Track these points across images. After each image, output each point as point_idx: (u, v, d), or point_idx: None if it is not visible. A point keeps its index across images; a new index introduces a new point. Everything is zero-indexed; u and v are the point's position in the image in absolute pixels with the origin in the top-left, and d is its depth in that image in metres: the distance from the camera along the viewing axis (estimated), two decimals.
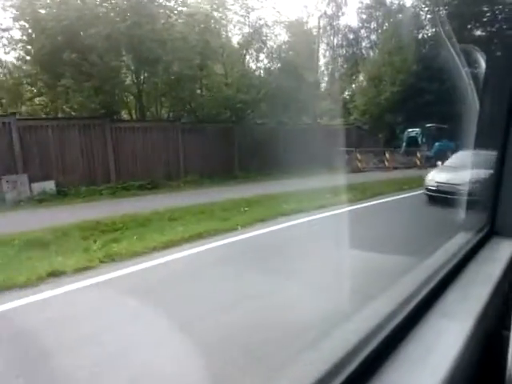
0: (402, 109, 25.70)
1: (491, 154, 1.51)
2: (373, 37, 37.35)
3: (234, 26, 16.37)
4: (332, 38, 43.25)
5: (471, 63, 1.96)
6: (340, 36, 42.44)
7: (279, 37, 16.41)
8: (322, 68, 42.49)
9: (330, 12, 41.76)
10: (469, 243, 1.32)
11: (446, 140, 21.36)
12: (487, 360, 0.99)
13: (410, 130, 22.64)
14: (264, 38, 15.85)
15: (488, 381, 0.99)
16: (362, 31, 39.66)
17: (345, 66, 39.10)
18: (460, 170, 7.62)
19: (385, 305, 0.88)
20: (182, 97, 14.10)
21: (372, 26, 37.33)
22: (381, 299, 0.96)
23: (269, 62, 15.71)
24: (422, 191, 9.75)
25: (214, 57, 14.50)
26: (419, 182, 10.43)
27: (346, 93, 34.75)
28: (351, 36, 41.34)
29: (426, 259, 1.16)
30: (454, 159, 10.26)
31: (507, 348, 0.99)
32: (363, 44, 39.32)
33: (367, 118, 27.60)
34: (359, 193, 10.54)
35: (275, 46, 16.44)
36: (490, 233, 1.46)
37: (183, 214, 8.12)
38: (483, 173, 1.70)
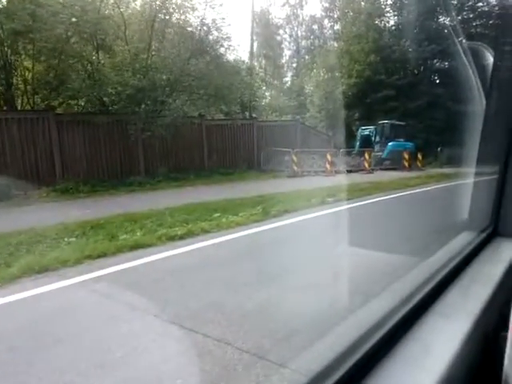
0: (358, 104, 23.05)
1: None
2: (336, 27, 34.67)
3: None
4: (296, 29, 40.76)
5: (479, 61, 1.82)
6: (304, 27, 39.93)
7: (194, 10, 13.12)
8: (284, 61, 40.03)
9: (292, 1, 39.31)
10: (471, 243, 1.34)
11: (403, 139, 18.62)
12: (484, 361, 0.99)
13: (363, 127, 19.79)
14: (171, 10, 12.64)
15: (485, 382, 0.98)
16: (326, 21, 37.09)
17: (306, 57, 36.48)
18: None
19: (384, 303, 0.96)
20: (48, 80, 10.80)
21: (335, 16, 34.59)
22: (380, 298, 1.11)
23: (179, 41, 12.43)
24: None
25: (100, 31, 11.22)
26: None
27: (307, 87, 31.98)
28: (315, 26, 38.84)
29: (427, 259, 1.22)
30: None
31: (505, 349, 0.95)
32: (327, 34, 36.75)
33: (323, 114, 25.00)
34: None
35: (189, 21, 13.24)
36: (492, 233, 1.47)
37: None
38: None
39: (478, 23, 21.06)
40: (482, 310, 0.93)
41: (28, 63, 11.69)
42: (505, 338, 0.99)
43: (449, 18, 19.21)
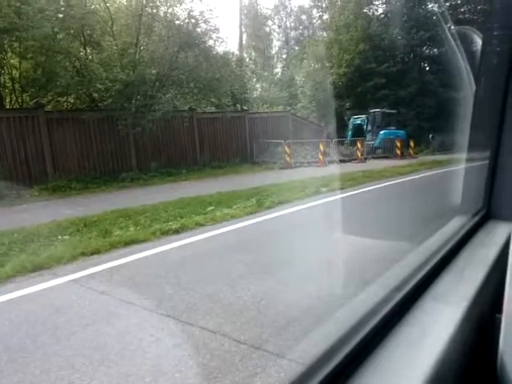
0: (349, 93, 23.05)
1: None
2: (325, 16, 34.48)
3: None
4: (285, 19, 40.50)
5: (468, 45, 1.85)
6: (292, 17, 39.68)
7: (181, 3, 12.96)
8: (273, 52, 39.80)
9: None
10: (464, 227, 1.34)
11: (395, 127, 18.65)
12: (480, 342, 1.00)
13: (355, 117, 19.77)
14: (158, 3, 12.48)
15: (480, 363, 1.00)
16: (314, 11, 36.85)
17: (296, 48, 36.28)
18: None
19: (380, 289, 0.94)
20: (36, 78, 10.66)
21: (324, 5, 34.37)
22: (377, 283, 1.12)
23: (167, 35, 12.26)
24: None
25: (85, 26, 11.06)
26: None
27: (297, 78, 31.83)
28: (304, 17, 38.61)
29: (421, 243, 1.21)
30: None
31: (499, 331, 0.98)
32: (315, 25, 36.58)
33: (315, 104, 24.94)
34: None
35: (177, 14, 13.08)
36: (485, 216, 1.48)
37: None
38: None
39: (465, 9, 21.06)
40: (477, 293, 0.94)
41: (15, 61, 11.50)
42: (499, 320, 1.00)
43: (437, 5, 19.22)
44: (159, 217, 6.60)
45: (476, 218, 1.43)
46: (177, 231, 5.70)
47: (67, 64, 11.33)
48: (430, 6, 21.50)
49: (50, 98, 11.98)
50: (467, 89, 1.78)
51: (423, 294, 0.92)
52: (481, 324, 0.99)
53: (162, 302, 3.27)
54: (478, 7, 19.56)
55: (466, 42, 1.92)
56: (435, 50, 22.94)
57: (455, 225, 1.38)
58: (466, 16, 20.37)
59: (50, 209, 8.24)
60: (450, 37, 2.16)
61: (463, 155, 1.71)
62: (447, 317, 0.84)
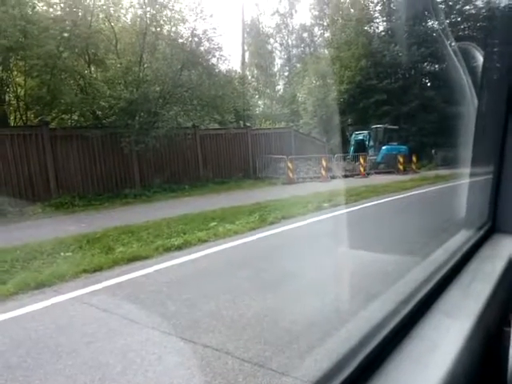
0: (351, 109, 23.21)
1: None
2: (326, 34, 34.93)
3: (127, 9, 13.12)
4: (286, 37, 41.07)
5: (470, 61, 1.87)
6: (294, 35, 40.23)
7: (185, 22, 13.19)
8: (276, 69, 40.26)
9: (282, 10, 39.64)
10: (470, 240, 1.33)
11: (397, 143, 18.71)
12: (489, 357, 0.97)
13: (357, 132, 19.86)
14: (162, 22, 12.69)
15: (490, 378, 0.98)
16: (316, 29, 37.41)
17: (298, 65, 36.70)
18: None
19: (387, 303, 0.98)
20: (41, 95, 10.79)
21: (325, 23, 34.90)
22: (383, 297, 1.15)
23: (170, 53, 12.45)
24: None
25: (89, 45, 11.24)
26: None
27: (299, 95, 32.12)
28: (305, 35, 39.15)
29: (427, 257, 1.25)
30: None
31: (508, 344, 0.97)
32: (317, 42, 37.07)
33: (317, 120, 25.10)
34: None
35: (180, 32, 13.30)
36: (491, 230, 1.47)
37: None
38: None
39: (465, 26, 21.32)
40: (484, 307, 0.93)
41: (20, 79, 11.67)
42: (508, 334, 0.99)
43: (437, 22, 19.46)
44: (162, 233, 6.59)
45: (481, 232, 1.42)
46: (179, 247, 5.68)
47: (72, 82, 11.49)
48: (430, 23, 21.74)
49: (54, 115, 12.10)
50: (469, 104, 1.79)
51: (430, 308, 0.91)
52: (489, 338, 0.98)
53: (164, 319, 3.23)
54: (478, 24, 19.79)
55: (468, 58, 1.94)
56: (436, 66, 23.16)
57: (460, 239, 1.38)
58: (466, 33, 20.60)
59: (53, 225, 8.24)
60: (451, 53, 2.18)
61: (467, 169, 1.71)
62: (455, 331, 0.84)
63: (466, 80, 1.89)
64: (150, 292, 4.03)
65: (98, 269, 4.81)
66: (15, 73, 11.37)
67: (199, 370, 2.51)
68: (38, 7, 10.86)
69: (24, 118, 11.80)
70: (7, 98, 11.70)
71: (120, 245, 5.96)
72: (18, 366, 2.64)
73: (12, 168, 10.52)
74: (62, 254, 5.60)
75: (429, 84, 24.18)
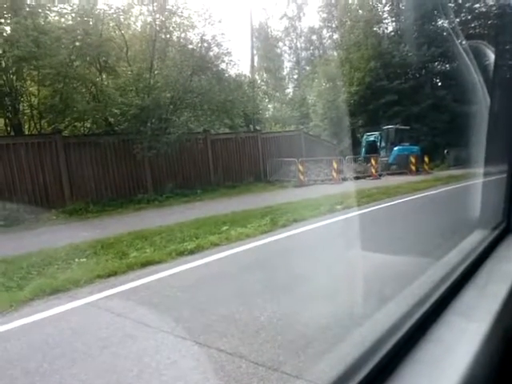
0: (361, 111, 23.11)
1: None
2: (335, 36, 34.91)
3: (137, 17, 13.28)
4: (295, 40, 41.12)
5: (481, 60, 1.88)
6: (303, 38, 40.26)
7: (194, 28, 13.30)
8: (285, 72, 40.30)
9: (290, 14, 39.74)
10: (484, 241, 1.33)
11: (409, 143, 18.55)
12: (507, 359, 0.94)
13: (368, 133, 19.75)
14: (171, 29, 12.81)
15: (509, 380, 0.96)
16: (324, 31, 37.38)
17: (307, 68, 36.71)
18: None
19: (401, 305, 0.93)
20: (54, 104, 10.96)
21: (333, 25, 34.84)
22: (397, 299, 1.08)
23: (180, 59, 12.57)
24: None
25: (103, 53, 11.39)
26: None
27: (309, 97, 32.09)
28: (314, 37, 39.14)
29: (441, 259, 1.23)
30: None
31: None
32: (326, 44, 37.05)
33: (327, 123, 25.05)
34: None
35: (190, 38, 13.41)
36: (506, 230, 1.44)
37: None
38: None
39: (476, 24, 21.11)
40: (501, 308, 0.92)
41: (33, 88, 11.87)
42: None
43: (447, 21, 19.30)
44: (175, 237, 6.62)
45: (496, 232, 1.41)
46: (192, 251, 5.70)
47: (84, 90, 11.65)
48: (440, 22, 21.60)
49: (67, 123, 12.29)
50: (481, 102, 1.78)
51: (445, 309, 0.90)
52: (507, 339, 0.96)
53: (178, 324, 3.24)
54: (489, 22, 19.58)
55: (479, 56, 1.94)
56: (447, 66, 22.95)
57: (475, 239, 1.36)
58: (477, 31, 20.39)
59: (67, 232, 8.33)
60: (462, 51, 2.16)
61: (480, 169, 1.69)
62: (471, 332, 0.83)
63: (477, 78, 1.89)
64: (163, 296, 4.05)
65: (113, 274, 4.85)
66: (28, 82, 11.56)
67: (214, 373, 2.52)
68: (49, 17, 11.04)
69: (38, 127, 11.99)
70: (21, 108, 11.89)
71: (134, 250, 6.01)
72: (36, 371, 2.67)
73: (27, 176, 10.70)
74: (77, 259, 5.67)
75: (440, 83, 23.96)
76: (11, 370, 2.72)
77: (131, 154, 12.01)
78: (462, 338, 0.80)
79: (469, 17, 21.52)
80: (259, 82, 28.90)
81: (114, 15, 11.88)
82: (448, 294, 0.96)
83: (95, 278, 4.73)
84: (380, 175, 16.34)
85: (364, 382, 0.65)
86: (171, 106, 12.32)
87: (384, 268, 4.35)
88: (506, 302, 0.95)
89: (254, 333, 3.04)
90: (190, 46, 13.02)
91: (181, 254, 5.60)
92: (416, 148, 18.23)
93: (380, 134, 18.96)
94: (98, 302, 3.98)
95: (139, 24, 13.72)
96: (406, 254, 4.65)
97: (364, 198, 9.88)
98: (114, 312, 3.69)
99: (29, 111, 12.00)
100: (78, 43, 10.92)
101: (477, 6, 21.41)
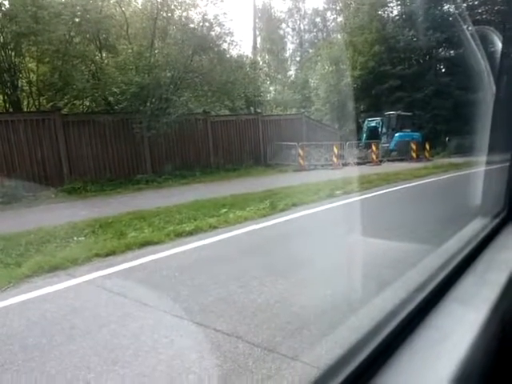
0: (364, 96, 22.88)
1: None
2: (339, 19, 34.38)
3: None
4: (299, 22, 40.48)
5: (487, 46, 1.84)
6: (306, 20, 39.64)
7: (196, 7, 13.06)
8: (287, 54, 39.80)
9: None
10: (485, 229, 1.32)
11: (410, 130, 18.46)
12: (504, 346, 0.94)
13: (370, 119, 19.61)
14: (173, 7, 12.58)
15: (505, 367, 0.94)
16: (328, 13, 36.80)
17: (310, 50, 36.22)
18: None
19: (400, 291, 0.95)
20: (53, 81, 10.83)
21: (338, 8, 34.29)
22: (396, 285, 1.11)
23: (181, 38, 12.37)
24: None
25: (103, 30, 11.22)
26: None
27: (311, 81, 31.75)
28: (318, 19, 38.54)
29: (442, 245, 1.21)
30: None
31: None
32: (330, 27, 36.52)
33: (329, 107, 24.85)
34: None
35: (191, 17, 13.17)
36: (506, 218, 1.42)
37: None
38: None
39: (483, 9, 20.75)
40: (499, 296, 0.92)
41: (32, 65, 11.73)
42: None
43: (454, 5, 18.99)
44: (173, 219, 6.63)
45: (497, 220, 1.41)
46: (190, 233, 5.71)
47: (83, 68, 11.52)
48: (446, 7, 21.22)
49: (66, 101, 12.18)
50: (487, 90, 1.76)
51: (444, 296, 0.91)
52: (504, 326, 0.97)
53: (176, 303, 3.27)
54: (496, 8, 19.26)
55: (485, 43, 1.91)
56: (452, 52, 22.64)
57: (475, 227, 1.36)
58: (484, 17, 20.07)
59: (66, 210, 8.33)
60: (469, 37, 2.12)
61: (482, 157, 1.68)
62: (470, 319, 0.84)
63: (483, 65, 1.86)
64: (161, 276, 4.07)
65: (111, 253, 4.88)
66: (27, 58, 11.42)
67: (210, 353, 2.55)
68: None
69: (37, 104, 11.89)
70: (20, 84, 11.76)
71: (132, 230, 6.03)
72: (34, 347, 2.70)
73: (26, 153, 10.65)
74: (75, 238, 5.68)
75: (444, 70, 23.68)
76: (10, 346, 2.75)
77: (131, 134, 11.95)
78: (460, 325, 0.81)
79: (476, 2, 21.13)
80: (261, 63, 28.55)
81: None
82: (447, 281, 0.96)
83: (93, 256, 4.75)
84: (381, 161, 16.30)
85: (361, 366, 0.65)
86: (171, 86, 12.19)
87: (382, 253, 4.37)
88: (504, 290, 0.95)
89: (251, 314, 3.07)
90: (192, 25, 12.81)
91: (179, 235, 5.62)
92: (417, 134, 18.14)
93: (381, 119, 18.83)
94: (96, 281, 4.00)
95: (140, 1, 13.44)
96: (404, 240, 4.67)
97: (364, 184, 9.87)
98: (112, 291, 3.72)
99: (27, 88, 11.88)
100: (77, 19, 10.77)
101: None
